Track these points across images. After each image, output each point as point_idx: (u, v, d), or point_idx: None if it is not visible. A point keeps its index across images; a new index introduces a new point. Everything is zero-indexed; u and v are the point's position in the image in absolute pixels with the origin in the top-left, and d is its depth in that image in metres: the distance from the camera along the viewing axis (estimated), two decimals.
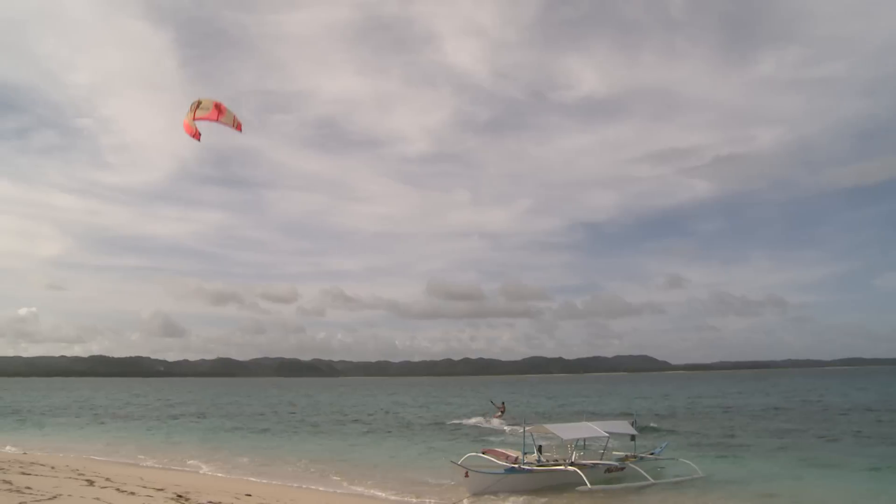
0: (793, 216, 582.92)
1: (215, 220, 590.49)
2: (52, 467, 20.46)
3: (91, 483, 16.75)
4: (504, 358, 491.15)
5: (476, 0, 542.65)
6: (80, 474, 18.70)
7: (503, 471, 18.12)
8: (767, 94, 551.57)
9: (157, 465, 24.27)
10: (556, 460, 19.42)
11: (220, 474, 22.10)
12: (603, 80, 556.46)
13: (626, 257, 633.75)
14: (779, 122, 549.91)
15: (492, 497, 17.31)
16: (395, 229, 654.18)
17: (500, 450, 20.86)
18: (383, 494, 18.26)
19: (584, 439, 20.26)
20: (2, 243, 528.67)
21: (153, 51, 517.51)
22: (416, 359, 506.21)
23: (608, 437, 20.29)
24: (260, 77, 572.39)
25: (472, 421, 41.94)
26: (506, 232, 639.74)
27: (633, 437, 21.09)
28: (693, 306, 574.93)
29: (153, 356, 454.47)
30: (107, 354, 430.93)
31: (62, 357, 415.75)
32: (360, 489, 19.14)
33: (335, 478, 20.92)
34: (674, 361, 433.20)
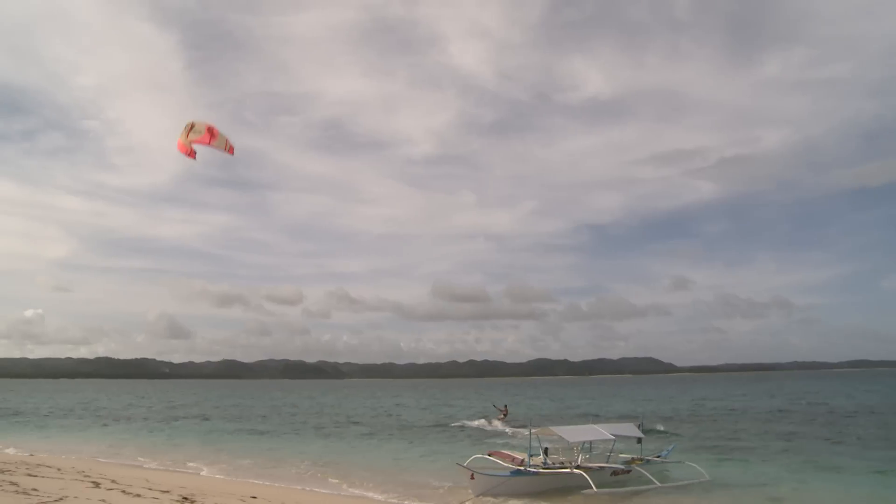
0: (798, 217, 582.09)
1: (221, 222, 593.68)
2: (59, 469, 20.54)
3: (97, 485, 16.79)
4: (509, 360, 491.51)
5: (481, 2, 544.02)
6: (85, 476, 18.75)
7: (509, 473, 18.10)
8: (773, 95, 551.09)
9: (159, 468, 24.29)
10: (562, 463, 19.36)
11: (224, 476, 22.10)
12: (608, 82, 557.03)
13: (631, 259, 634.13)
14: (784, 124, 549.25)
15: (497, 499, 17.24)
16: (401, 231, 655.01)
17: (505, 452, 20.84)
18: (385, 497, 18.23)
19: (591, 442, 20.20)
20: (8, 245, 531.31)
21: (159, 53, 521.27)
22: (421, 361, 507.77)
23: (614, 440, 20.22)
24: (265, 79, 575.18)
25: (475, 423, 41.91)
26: (511, 234, 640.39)
27: (639, 440, 20.99)
28: (698, 308, 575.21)
29: (159, 358, 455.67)
30: (112, 356, 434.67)
31: (68, 359, 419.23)
32: (362, 492, 19.09)
33: (337, 480, 20.87)
34: (679, 363, 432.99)
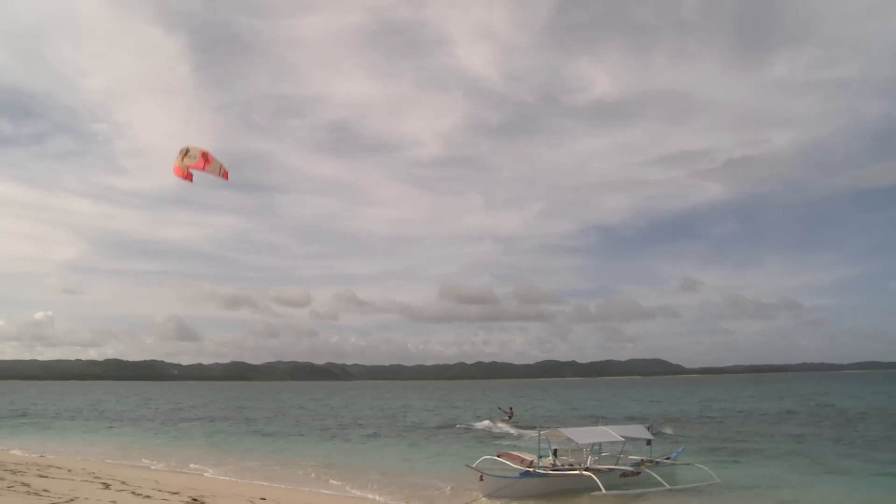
0: (807, 218, 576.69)
1: (228, 225, 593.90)
2: (69, 470, 20.65)
3: (107, 486, 16.87)
4: (517, 361, 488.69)
5: (488, 3, 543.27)
6: (95, 477, 18.85)
7: (518, 474, 18.09)
8: (781, 95, 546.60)
9: (166, 469, 24.39)
10: (572, 464, 19.34)
11: (232, 478, 22.16)
12: (615, 83, 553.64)
13: (638, 260, 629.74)
14: (792, 124, 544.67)
15: (505, 501, 17.24)
16: (408, 233, 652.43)
17: (514, 453, 20.80)
18: (390, 499, 18.24)
19: (600, 444, 20.16)
20: (18, 248, 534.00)
21: (166, 56, 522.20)
22: (429, 362, 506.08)
23: (623, 442, 20.18)
24: (273, 81, 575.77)
25: (481, 425, 41.90)
26: (518, 235, 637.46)
27: (648, 442, 20.93)
28: (706, 309, 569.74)
29: (167, 360, 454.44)
30: (121, 358, 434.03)
31: (77, 361, 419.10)
32: (367, 493, 19.11)
33: (342, 482, 20.88)
34: (687, 365, 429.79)
